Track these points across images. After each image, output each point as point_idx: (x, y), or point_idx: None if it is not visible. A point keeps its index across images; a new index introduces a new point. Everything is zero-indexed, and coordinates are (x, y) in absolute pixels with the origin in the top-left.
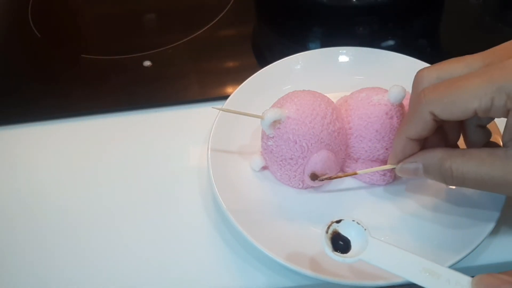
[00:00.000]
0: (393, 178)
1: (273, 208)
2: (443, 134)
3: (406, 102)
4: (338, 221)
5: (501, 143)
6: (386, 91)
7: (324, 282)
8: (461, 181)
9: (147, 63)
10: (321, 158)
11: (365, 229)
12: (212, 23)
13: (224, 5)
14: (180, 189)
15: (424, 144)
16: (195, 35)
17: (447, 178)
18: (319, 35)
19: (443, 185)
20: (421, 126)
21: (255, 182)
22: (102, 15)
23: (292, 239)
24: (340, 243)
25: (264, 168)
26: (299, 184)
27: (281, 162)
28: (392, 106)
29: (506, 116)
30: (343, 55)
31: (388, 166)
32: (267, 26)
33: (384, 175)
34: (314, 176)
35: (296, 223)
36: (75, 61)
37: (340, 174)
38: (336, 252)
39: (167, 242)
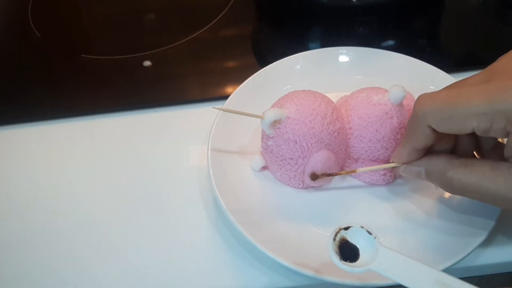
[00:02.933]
0: (393, 178)
1: (273, 208)
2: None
3: (406, 102)
4: (346, 228)
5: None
6: (386, 91)
7: (324, 282)
8: (462, 192)
9: (147, 63)
10: (321, 158)
11: (375, 237)
12: (212, 23)
13: (224, 5)
14: (180, 189)
15: (432, 146)
16: (195, 35)
17: (447, 187)
18: (319, 35)
19: None
20: (422, 137)
21: (255, 182)
22: (102, 15)
23: (292, 239)
24: (347, 251)
25: (264, 168)
26: (299, 184)
27: (281, 162)
28: (392, 106)
29: (506, 137)
30: (343, 55)
31: (392, 165)
32: (267, 26)
33: (384, 175)
34: (314, 176)
35: (296, 223)
36: (75, 61)
37: (341, 172)
38: (344, 262)
39: (167, 242)
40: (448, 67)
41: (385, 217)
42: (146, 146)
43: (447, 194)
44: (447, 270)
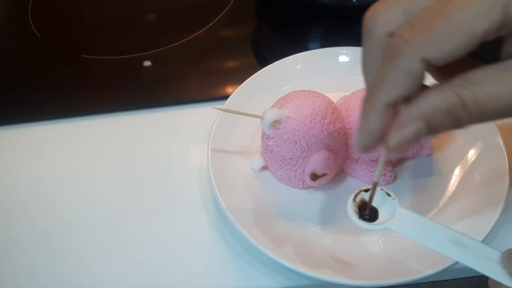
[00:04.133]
0: (393, 178)
1: (273, 208)
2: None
3: None
4: (366, 190)
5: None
6: None
7: (324, 282)
8: (479, 116)
9: (147, 63)
10: (321, 158)
11: (394, 199)
12: (212, 23)
13: (224, 5)
14: (180, 189)
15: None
16: (195, 35)
17: (462, 117)
18: (319, 35)
19: (442, 186)
20: (409, 83)
21: (255, 182)
22: (102, 15)
23: (292, 239)
24: (366, 213)
25: (264, 168)
26: (299, 184)
27: (281, 162)
28: None
29: None
30: (343, 55)
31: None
32: (267, 26)
33: (384, 175)
34: (314, 176)
35: (296, 223)
36: (75, 61)
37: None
38: (362, 220)
39: (167, 242)
40: None
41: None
42: (146, 146)
43: (447, 194)
44: (446, 271)
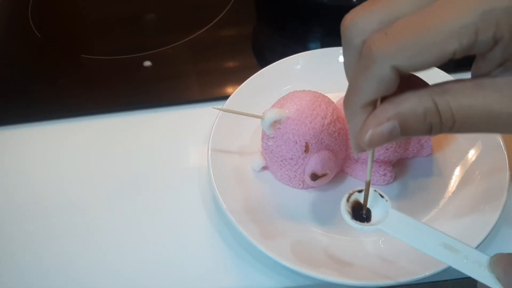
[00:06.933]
0: (393, 178)
1: (273, 208)
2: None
3: None
4: (360, 191)
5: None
6: None
7: (324, 282)
8: (450, 126)
9: (147, 63)
10: (321, 158)
11: (386, 201)
12: (212, 23)
13: (224, 5)
14: (180, 189)
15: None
16: (195, 35)
17: (434, 126)
18: (319, 35)
19: (442, 186)
20: (381, 87)
21: (255, 182)
22: (102, 15)
23: (292, 239)
24: (360, 213)
25: (264, 168)
26: (299, 184)
27: (281, 162)
28: None
29: (491, 49)
30: None
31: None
32: (267, 26)
33: (384, 175)
34: (314, 176)
35: (296, 223)
36: (75, 61)
37: None
38: (355, 221)
39: (167, 242)
40: (448, 67)
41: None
42: (146, 146)
43: (447, 194)
44: (447, 271)
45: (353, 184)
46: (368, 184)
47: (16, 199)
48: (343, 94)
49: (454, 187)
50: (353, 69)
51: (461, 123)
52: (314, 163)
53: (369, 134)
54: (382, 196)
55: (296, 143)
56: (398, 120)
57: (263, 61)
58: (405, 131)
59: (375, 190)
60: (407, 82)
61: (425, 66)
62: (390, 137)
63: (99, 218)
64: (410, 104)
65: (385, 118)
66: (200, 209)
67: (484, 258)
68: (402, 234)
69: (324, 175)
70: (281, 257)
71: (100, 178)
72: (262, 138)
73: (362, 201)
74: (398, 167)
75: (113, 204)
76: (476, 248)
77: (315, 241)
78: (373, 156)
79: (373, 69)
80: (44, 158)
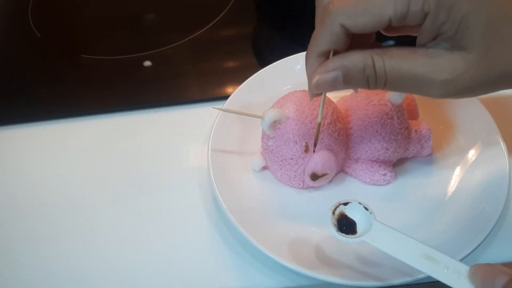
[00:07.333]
0: (393, 178)
1: (273, 208)
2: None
3: (406, 103)
4: (345, 203)
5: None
6: (386, 92)
7: (324, 282)
8: (383, 82)
9: (147, 63)
10: (321, 158)
11: (370, 213)
12: (212, 23)
13: (224, 5)
14: (180, 189)
15: None
16: (195, 35)
17: (370, 79)
18: None
19: (444, 185)
20: (332, 40)
21: (255, 182)
22: (102, 15)
23: (292, 239)
24: (346, 225)
25: (264, 168)
26: (299, 184)
27: (281, 162)
28: (392, 107)
29: (423, 21)
30: None
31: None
32: (267, 26)
33: (384, 175)
34: (314, 176)
35: (296, 223)
36: (75, 61)
37: None
38: (340, 233)
39: (167, 242)
40: None
41: (384, 217)
42: (146, 146)
43: (447, 194)
44: None
45: (353, 184)
46: (319, 125)
47: (17, 199)
48: (343, 94)
49: (454, 187)
50: (316, 23)
51: (392, 80)
52: (314, 163)
53: (316, 79)
54: (366, 209)
55: (296, 143)
56: (342, 70)
57: (263, 61)
58: (347, 81)
59: (359, 203)
60: (362, 45)
61: (367, 28)
62: (334, 84)
63: (99, 218)
64: (354, 59)
65: (331, 68)
66: (200, 209)
67: (464, 268)
68: (385, 245)
69: (324, 175)
70: (281, 257)
71: (100, 178)
72: (262, 138)
73: (347, 213)
74: (398, 167)
75: (113, 204)
76: (476, 248)
77: (315, 241)
78: (324, 99)
79: (327, 23)
80: (44, 158)
